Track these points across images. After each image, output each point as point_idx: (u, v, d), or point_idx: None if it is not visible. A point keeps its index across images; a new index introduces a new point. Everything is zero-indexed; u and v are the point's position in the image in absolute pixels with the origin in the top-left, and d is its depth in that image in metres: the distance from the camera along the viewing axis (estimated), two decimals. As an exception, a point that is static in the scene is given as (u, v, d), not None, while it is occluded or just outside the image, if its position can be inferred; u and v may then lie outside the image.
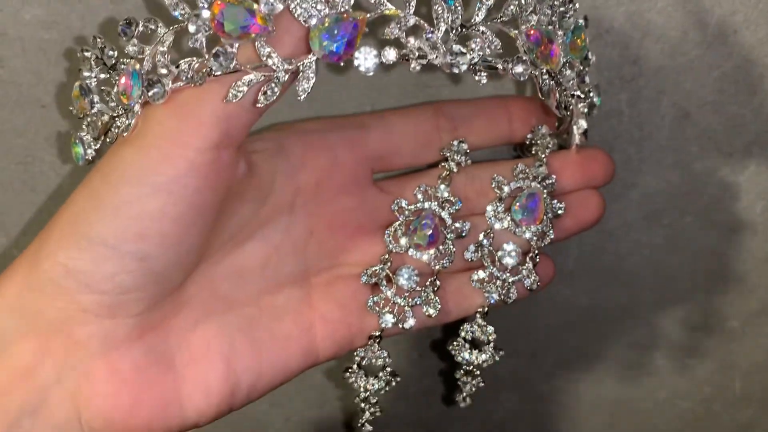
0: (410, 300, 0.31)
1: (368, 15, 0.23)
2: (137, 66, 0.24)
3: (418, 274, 0.31)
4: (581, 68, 0.29)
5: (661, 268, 0.40)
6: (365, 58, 0.24)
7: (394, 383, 0.32)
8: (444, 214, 0.32)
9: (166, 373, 0.27)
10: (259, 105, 0.23)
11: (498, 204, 0.32)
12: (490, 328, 0.33)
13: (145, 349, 0.27)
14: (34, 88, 0.33)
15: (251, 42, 0.23)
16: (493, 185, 0.32)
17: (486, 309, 0.32)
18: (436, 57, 0.25)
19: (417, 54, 0.25)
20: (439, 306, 0.31)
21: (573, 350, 0.43)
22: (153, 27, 0.25)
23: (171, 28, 0.24)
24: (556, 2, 0.27)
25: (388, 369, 0.32)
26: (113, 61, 0.26)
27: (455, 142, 0.32)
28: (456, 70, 0.25)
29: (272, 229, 0.30)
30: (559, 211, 0.33)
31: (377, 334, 0.31)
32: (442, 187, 0.33)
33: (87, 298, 0.25)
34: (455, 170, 0.33)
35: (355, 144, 0.30)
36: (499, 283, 0.32)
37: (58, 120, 0.35)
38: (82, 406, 0.25)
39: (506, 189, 0.32)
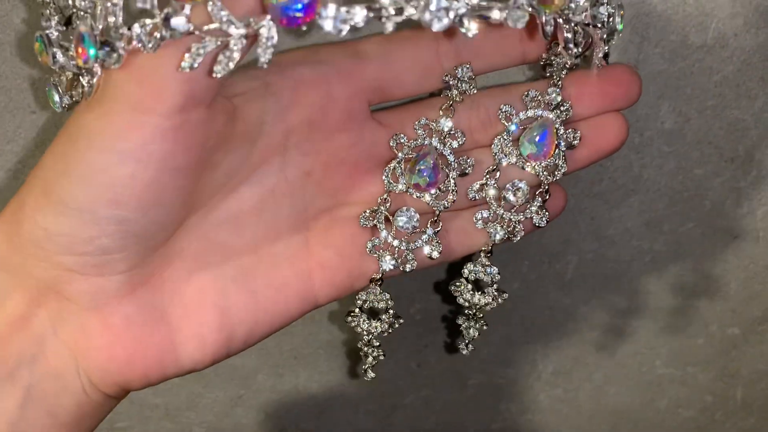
0: (410, 243, 0.30)
1: None
2: (87, 26, 0.23)
3: (418, 215, 0.30)
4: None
5: (662, 276, 0.39)
6: (331, 20, 0.22)
7: (397, 325, 0.32)
8: (446, 151, 0.30)
9: (159, 326, 0.27)
10: (215, 75, 0.22)
11: (505, 137, 0.31)
12: (494, 269, 0.31)
13: (137, 303, 0.27)
14: (23, 93, 0.33)
15: (204, 2, 0.21)
16: (501, 116, 0.30)
17: (490, 248, 0.31)
18: (415, 11, 0.22)
19: (392, 11, 0.22)
20: (441, 248, 0.30)
21: (572, 359, 0.42)
22: None
23: None
24: None
25: (391, 311, 0.31)
26: (69, 13, 0.25)
27: (459, 68, 0.29)
28: (438, 26, 0.22)
29: (266, 172, 0.29)
30: (574, 142, 0.30)
31: (378, 277, 0.30)
32: (445, 120, 0.31)
33: (70, 259, 0.25)
34: (459, 99, 0.30)
35: (349, 76, 0.28)
36: (504, 222, 0.30)
37: (49, 127, 0.34)
38: (78, 356, 0.26)
39: (515, 119, 0.30)
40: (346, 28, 0.21)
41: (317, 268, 0.29)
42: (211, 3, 0.21)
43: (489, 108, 0.31)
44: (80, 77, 0.25)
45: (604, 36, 0.26)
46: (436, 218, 0.30)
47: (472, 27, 0.22)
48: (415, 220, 0.30)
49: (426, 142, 0.30)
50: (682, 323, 0.44)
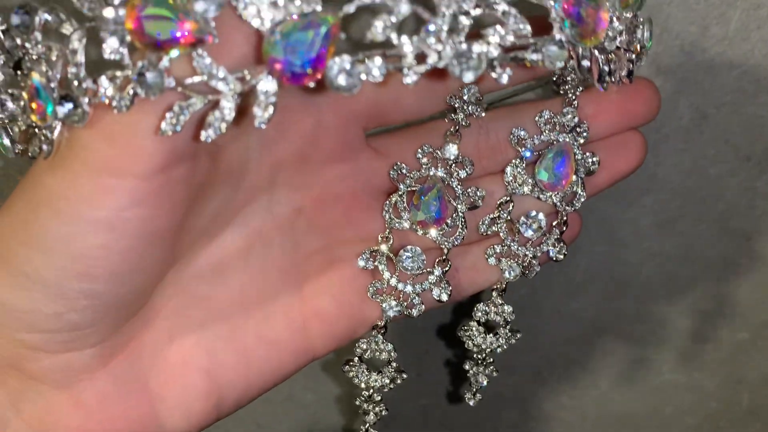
0: (416, 285, 0.28)
1: (343, 10, 0.18)
2: (43, 75, 0.20)
3: (424, 255, 0.28)
4: (633, 17, 0.24)
5: (672, 278, 0.37)
6: (341, 75, 0.18)
7: (399, 380, 0.29)
8: (453, 181, 0.28)
9: (139, 398, 0.25)
10: (204, 140, 0.19)
11: (518, 164, 0.28)
12: (508, 308, 0.29)
13: (113, 376, 0.24)
14: None
15: (186, 53, 0.18)
16: (513, 141, 0.28)
17: (504, 286, 0.29)
18: (440, 59, 0.19)
19: (413, 61, 0.19)
20: (450, 289, 0.28)
21: (578, 365, 0.41)
22: (58, 21, 0.20)
23: (82, 25, 0.20)
24: None
25: (394, 364, 0.29)
26: (19, 56, 0.21)
27: (465, 89, 0.26)
28: (470, 76, 0.19)
29: (252, 213, 0.27)
30: (593, 167, 0.28)
31: (381, 324, 0.28)
32: (451, 146, 0.28)
33: (33, 337, 0.22)
34: (466, 123, 0.28)
35: (341, 100, 0.25)
36: (519, 257, 0.28)
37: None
38: None
39: (529, 144, 0.28)
40: (359, 85, 0.19)
41: (313, 318, 0.27)
42: (195, 54, 0.18)
43: (499, 132, 0.29)
44: (36, 130, 0.21)
45: (632, 58, 0.24)
46: (444, 257, 0.28)
47: (506, 73, 0.20)
48: (421, 260, 0.28)
49: (431, 173, 0.28)
50: (691, 327, 0.44)
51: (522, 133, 0.28)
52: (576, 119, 0.28)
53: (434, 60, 0.19)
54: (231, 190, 0.26)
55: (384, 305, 0.28)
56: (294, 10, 0.18)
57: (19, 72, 0.21)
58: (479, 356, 0.30)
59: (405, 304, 0.28)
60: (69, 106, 0.19)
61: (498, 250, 0.29)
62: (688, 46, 0.34)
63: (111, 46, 0.18)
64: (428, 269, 0.28)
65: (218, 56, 0.19)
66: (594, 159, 0.28)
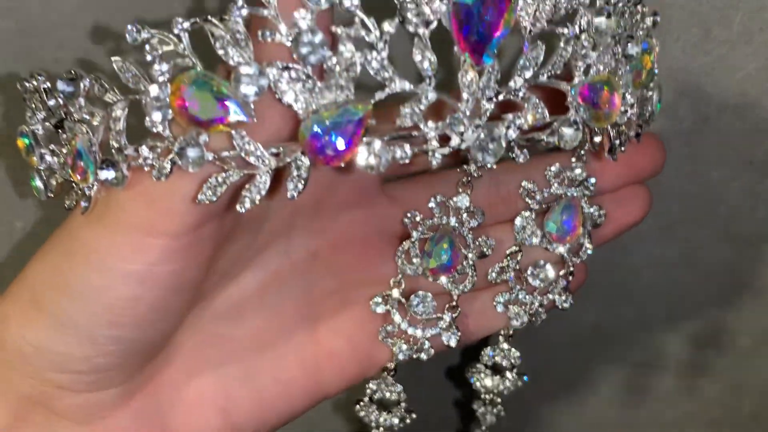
0: (427, 330, 0.29)
1: (374, 98, 0.20)
2: (85, 139, 0.21)
3: (435, 302, 0.29)
4: (645, 92, 0.25)
5: (674, 284, 0.39)
6: (371, 156, 0.20)
7: (409, 420, 0.31)
8: (464, 230, 0.29)
9: None
10: (240, 209, 0.21)
11: (527, 216, 0.29)
12: (515, 352, 0.31)
13: (134, 413, 0.26)
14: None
15: (226, 131, 0.20)
16: (523, 194, 0.29)
17: (511, 332, 0.30)
18: (462, 141, 0.21)
19: (437, 144, 0.21)
20: (459, 335, 0.29)
21: (577, 370, 0.42)
22: (102, 90, 0.22)
23: (126, 96, 0.21)
24: (621, 30, 0.23)
25: (403, 404, 0.30)
26: (61, 116, 0.23)
27: None
28: (490, 160, 0.21)
29: (270, 256, 0.28)
30: (600, 220, 0.30)
31: (392, 366, 0.29)
32: (463, 197, 0.29)
33: (62, 377, 0.24)
34: (477, 174, 0.29)
35: None
36: (526, 306, 0.30)
37: (12, 116, 0.33)
38: None
39: (538, 197, 0.29)
40: (387, 165, 0.20)
41: (326, 359, 0.29)
42: (234, 132, 0.20)
43: (509, 183, 0.30)
44: (74, 185, 0.23)
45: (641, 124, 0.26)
46: (454, 304, 0.29)
47: (523, 154, 0.22)
48: (431, 306, 0.29)
49: (443, 221, 0.29)
50: (691, 332, 0.45)
51: (531, 185, 0.29)
52: (584, 174, 0.29)
53: (456, 143, 0.21)
54: (251, 236, 0.27)
55: (395, 348, 0.29)
56: (329, 97, 0.20)
57: (60, 130, 0.23)
58: (487, 396, 0.32)
59: (415, 347, 0.29)
60: (110, 172, 0.21)
61: (506, 298, 0.30)
62: (690, 49, 0.35)
63: (154, 120, 0.20)
64: (438, 314, 0.29)
65: (254, 132, 0.20)
66: (601, 212, 0.30)
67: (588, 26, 0.22)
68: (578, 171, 0.29)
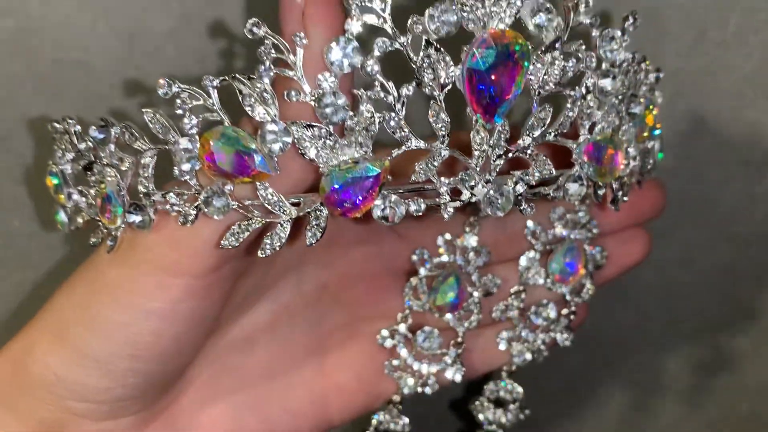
0: (432, 365, 0.30)
1: (392, 155, 0.22)
2: (114, 183, 0.23)
3: (441, 339, 0.30)
4: (647, 145, 0.27)
5: (672, 285, 0.40)
6: (386, 209, 0.22)
7: None
8: (470, 269, 0.31)
9: None
10: (261, 255, 0.22)
11: (533, 258, 0.31)
12: (518, 388, 0.32)
13: None
14: None
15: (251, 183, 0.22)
16: (528, 235, 0.31)
17: (514, 368, 0.32)
18: (472, 196, 0.22)
19: (448, 198, 0.22)
20: (464, 370, 0.31)
21: (576, 372, 0.41)
22: (132, 139, 0.23)
23: (155, 145, 0.23)
24: (624, 89, 0.24)
25: None
26: (89, 159, 0.25)
27: None
28: (499, 214, 0.22)
29: (281, 289, 0.30)
30: (601, 262, 0.31)
31: (398, 399, 0.31)
32: (470, 237, 0.31)
33: (81, 406, 0.25)
34: (485, 215, 0.30)
35: None
36: (529, 343, 0.31)
37: (13, 120, 0.34)
38: None
39: (542, 238, 0.31)
40: (401, 217, 0.22)
41: (334, 391, 0.30)
42: (258, 183, 0.22)
43: (515, 224, 0.32)
44: (100, 224, 0.25)
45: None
46: (460, 340, 0.31)
47: (530, 207, 0.23)
48: (437, 342, 0.30)
49: (450, 260, 0.31)
50: (690, 331, 0.45)
51: (536, 227, 0.31)
52: (587, 217, 0.30)
53: (467, 197, 0.22)
54: (264, 270, 0.29)
55: (401, 382, 0.30)
56: (349, 153, 0.21)
57: (89, 172, 0.24)
58: (490, 428, 0.33)
59: (420, 381, 0.30)
60: (138, 216, 0.23)
61: (509, 335, 0.31)
62: (686, 50, 0.37)
63: (183, 170, 0.22)
64: (443, 350, 0.31)
65: (277, 183, 0.22)
66: (603, 254, 0.31)
67: (593, 87, 0.23)
68: (581, 214, 0.31)
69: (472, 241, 0.31)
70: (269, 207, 0.22)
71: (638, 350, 0.45)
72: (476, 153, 0.22)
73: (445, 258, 0.31)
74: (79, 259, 0.27)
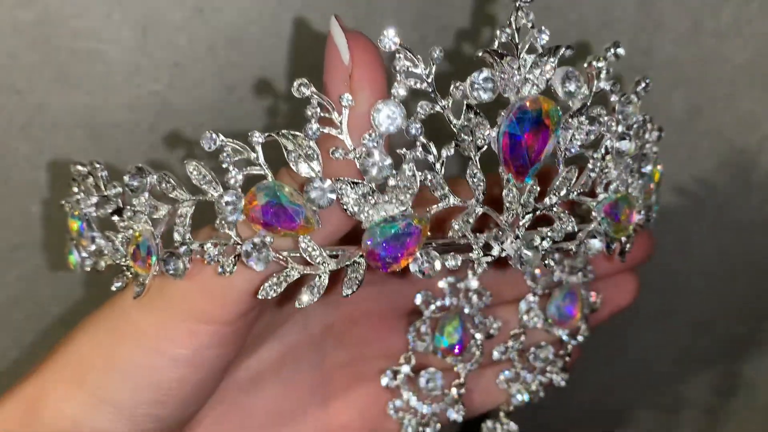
0: (434, 405, 0.32)
1: (431, 212, 0.23)
2: (148, 230, 0.23)
3: (443, 381, 0.32)
4: (651, 200, 0.29)
5: (669, 272, 0.39)
6: (424, 264, 0.22)
7: None
8: (473, 311, 0.32)
9: None
10: (298, 306, 0.23)
11: (533, 301, 0.32)
12: (514, 426, 0.33)
13: None
14: (7, 71, 0.34)
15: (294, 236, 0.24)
16: (527, 279, 0.33)
17: (511, 408, 0.33)
18: (502, 251, 0.23)
19: (481, 253, 0.24)
20: (464, 411, 0.32)
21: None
22: (170, 187, 0.24)
23: (195, 197, 0.24)
24: (637, 149, 0.26)
25: None
26: (117, 205, 0.25)
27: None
28: (528, 269, 0.27)
29: (289, 329, 0.31)
30: (596, 306, 0.33)
31: None
32: (472, 280, 0.32)
33: None
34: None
35: None
36: (527, 384, 0.33)
37: (33, 107, 0.35)
38: None
39: (542, 282, 0.33)
40: (436, 272, 0.23)
41: (338, 430, 0.31)
42: (301, 237, 0.23)
43: (515, 269, 0.35)
44: (126, 270, 0.26)
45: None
46: (462, 381, 0.32)
47: (553, 259, 0.26)
48: (439, 384, 0.32)
49: (453, 302, 0.32)
50: (687, 320, 0.42)
51: (536, 271, 0.32)
52: (584, 262, 0.32)
53: (497, 252, 0.23)
54: (273, 312, 0.31)
55: (404, 422, 0.31)
56: (389, 209, 0.22)
57: (117, 217, 0.25)
58: None
59: (422, 422, 0.32)
60: (173, 265, 0.23)
61: (508, 376, 0.33)
62: (681, 40, 0.38)
63: (229, 222, 0.22)
64: (445, 390, 0.32)
65: (315, 234, 0.23)
66: (598, 298, 0.33)
67: (611, 149, 0.25)
68: (579, 259, 0.33)
69: (473, 283, 0.32)
70: (309, 259, 0.23)
71: (632, 337, 0.46)
72: (507, 210, 0.23)
73: (448, 300, 0.32)
74: (91, 293, 0.27)
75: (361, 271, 0.23)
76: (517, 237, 0.23)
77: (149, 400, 0.25)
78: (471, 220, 0.23)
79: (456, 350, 0.31)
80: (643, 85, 0.26)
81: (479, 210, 0.23)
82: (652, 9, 0.37)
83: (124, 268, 0.25)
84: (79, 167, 0.26)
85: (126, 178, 0.24)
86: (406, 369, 0.31)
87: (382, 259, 0.22)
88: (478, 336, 0.32)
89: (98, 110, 0.34)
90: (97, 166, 0.25)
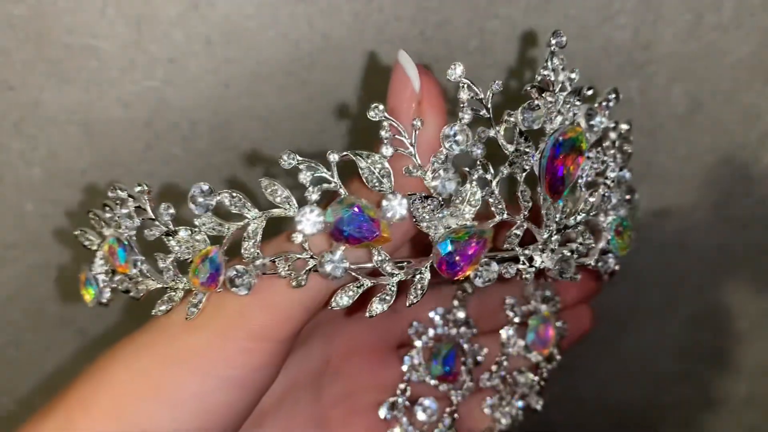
0: None
1: (492, 224, 0.25)
2: (222, 255, 0.24)
3: (436, 407, 0.33)
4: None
5: (669, 267, 0.38)
6: (484, 272, 0.24)
7: None
8: (463, 340, 0.34)
9: None
10: (370, 315, 0.24)
11: (511, 329, 0.34)
12: None
13: None
14: (0, 68, 0.34)
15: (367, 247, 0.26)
16: (508, 311, 0.36)
17: None
18: (542, 262, 0.25)
19: (527, 264, 0.25)
20: None
21: (575, 356, 0.41)
22: (239, 205, 0.24)
23: (266, 212, 0.24)
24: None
25: None
26: (168, 227, 0.25)
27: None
28: (566, 276, 0.25)
29: (290, 364, 0.30)
30: (564, 333, 0.36)
31: None
32: (459, 311, 0.34)
33: None
34: (470, 291, 0.35)
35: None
36: (508, 408, 0.34)
37: (26, 104, 0.36)
38: None
39: (519, 312, 0.35)
40: (493, 280, 0.24)
41: None
42: (375, 250, 0.24)
43: (495, 299, 0.36)
44: (173, 292, 0.26)
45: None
46: (455, 408, 0.34)
47: (576, 275, 0.27)
48: (434, 415, 0.33)
49: (445, 332, 0.33)
50: (688, 315, 0.41)
51: (514, 300, 0.35)
52: (552, 292, 0.35)
53: (539, 263, 0.25)
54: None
55: None
56: (452, 222, 0.23)
57: (170, 238, 0.25)
58: None
59: None
60: (244, 280, 0.23)
61: (493, 402, 0.34)
62: (683, 34, 0.37)
63: (306, 234, 0.22)
64: (439, 418, 0.33)
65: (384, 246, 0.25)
66: (565, 326, 0.35)
67: (615, 178, 0.29)
68: (548, 291, 0.35)
69: (461, 315, 0.35)
70: (381, 270, 0.25)
71: (633, 333, 0.46)
72: (546, 227, 0.26)
73: (440, 330, 0.35)
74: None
75: (426, 281, 0.24)
76: (552, 251, 0.25)
77: (194, 428, 0.24)
78: (520, 234, 0.25)
79: (449, 377, 0.33)
80: (627, 127, 0.30)
81: (525, 225, 0.25)
82: (653, 2, 0.37)
83: (169, 290, 0.25)
84: (119, 191, 0.26)
85: (194, 196, 0.23)
86: (401, 400, 0.33)
87: (453, 267, 0.23)
88: (469, 362, 0.34)
89: (93, 106, 0.35)
90: (145, 188, 0.25)
